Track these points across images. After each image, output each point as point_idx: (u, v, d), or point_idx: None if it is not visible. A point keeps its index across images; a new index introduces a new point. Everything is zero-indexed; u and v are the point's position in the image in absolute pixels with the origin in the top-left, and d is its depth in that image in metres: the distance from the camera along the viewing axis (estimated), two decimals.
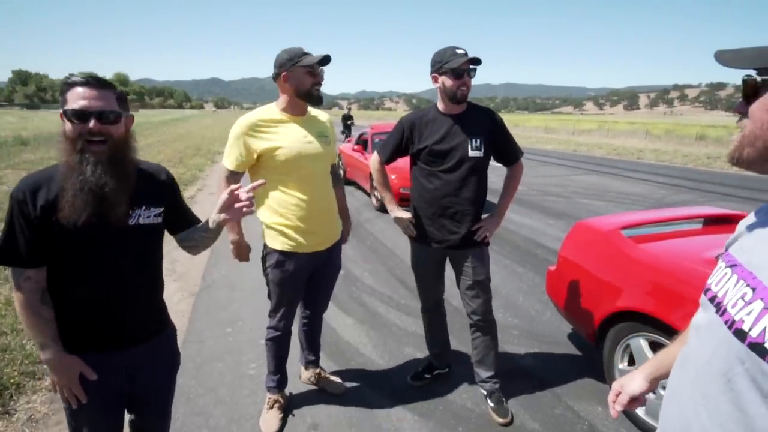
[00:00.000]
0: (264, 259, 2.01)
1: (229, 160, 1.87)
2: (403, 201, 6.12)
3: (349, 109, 17.43)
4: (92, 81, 1.13)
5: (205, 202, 7.18)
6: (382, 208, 6.39)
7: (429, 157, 2.06)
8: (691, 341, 0.75)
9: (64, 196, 1.10)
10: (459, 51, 1.93)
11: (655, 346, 1.93)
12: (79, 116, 1.10)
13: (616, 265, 2.19)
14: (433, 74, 2.01)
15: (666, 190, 8.57)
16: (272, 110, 1.90)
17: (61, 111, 1.12)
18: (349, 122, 17.07)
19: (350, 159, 8.11)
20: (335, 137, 2.10)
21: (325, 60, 1.84)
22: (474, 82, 2.02)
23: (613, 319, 2.12)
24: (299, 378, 2.41)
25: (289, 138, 1.85)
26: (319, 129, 1.96)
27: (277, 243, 1.92)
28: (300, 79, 1.81)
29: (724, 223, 2.60)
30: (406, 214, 2.22)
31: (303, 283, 2.04)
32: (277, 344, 2.12)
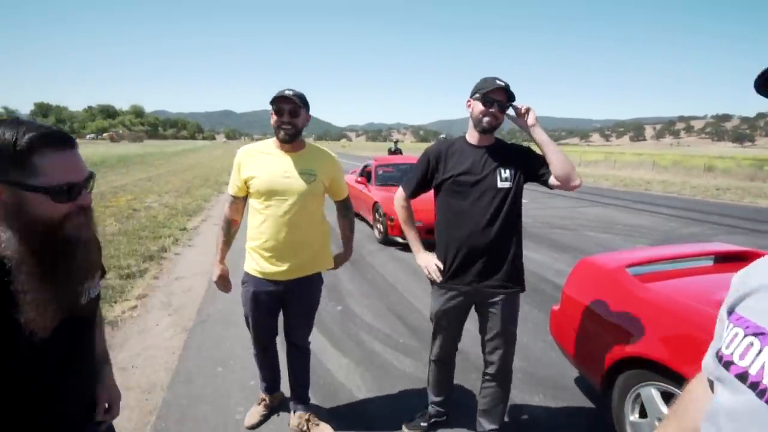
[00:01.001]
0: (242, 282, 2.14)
1: (230, 186, 2.09)
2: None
3: (396, 141, 15.95)
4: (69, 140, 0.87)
5: (208, 233, 7.17)
6: (385, 241, 6.31)
7: (453, 188, 1.91)
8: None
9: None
10: (498, 81, 1.83)
11: (668, 397, 1.79)
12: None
13: (622, 306, 2.07)
14: (468, 99, 1.92)
15: (675, 223, 8.41)
16: (268, 143, 2.04)
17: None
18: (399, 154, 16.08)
19: (354, 191, 8.10)
20: (333, 174, 2.07)
21: (279, 99, 1.88)
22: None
23: (621, 366, 1.98)
24: (288, 425, 2.28)
25: (266, 170, 1.95)
26: (306, 166, 1.98)
27: (246, 263, 2.09)
28: (272, 119, 1.93)
29: (735, 260, 2.48)
30: (431, 257, 2.02)
31: (266, 307, 2.10)
32: (258, 358, 2.33)
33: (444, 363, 2.19)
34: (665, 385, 1.78)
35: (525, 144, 2.12)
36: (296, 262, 2.02)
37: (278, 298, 2.08)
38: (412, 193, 2.07)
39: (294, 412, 2.28)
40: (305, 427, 2.23)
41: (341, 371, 2.88)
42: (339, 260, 2.28)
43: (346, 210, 2.23)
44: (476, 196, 1.88)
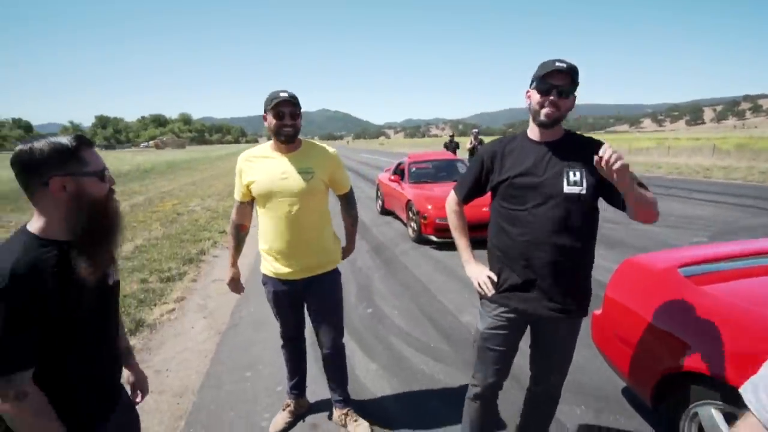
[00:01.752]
0: None
1: (235, 192, 2.12)
2: (438, 232, 5.90)
3: (452, 136, 14.35)
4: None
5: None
6: (419, 239, 6.17)
7: (511, 192, 1.63)
8: None
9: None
10: (559, 64, 1.50)
11: (731, 417, 1.56)
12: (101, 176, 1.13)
13: (675, 312, 1.84)
14: (527, 90, 1.64)
15: (738, 212, 7.67)
16: (266, 146, 2.05)
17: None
18: (455, 147, 14.04)
19: (388, 189, 8.01)
20: (332, 169, 2.06)
21: (280, 104, 1.86)
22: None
23: (675, 380, 1.76)
24: (328, 418, 2.42)
25: (264, 173, 1.96)
26: (305, 164, 1.98)
27: (262, 265, 2.14)
28: (271, 122, 1.91)
29: None
30: (483, 268, 1.76)
31: (287, 306, 2.17)
32: (285, 350, 2.35)
33: (487, 400, 1.84)
34: (728, 405, 1.55)
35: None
36: (306, 261, 2.05)
37: (297, 295, 2.14)
38: (465, 198, 1.82)
39: (334, 407, 2.37)
40: (344, 422, 2.31)
41: (369, 377, 2.79)
42: (344, 253, 2.31)
43: (350, 205, 2.24)
44: (537, 201, 1.58)
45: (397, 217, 7.88)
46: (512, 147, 1.68)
